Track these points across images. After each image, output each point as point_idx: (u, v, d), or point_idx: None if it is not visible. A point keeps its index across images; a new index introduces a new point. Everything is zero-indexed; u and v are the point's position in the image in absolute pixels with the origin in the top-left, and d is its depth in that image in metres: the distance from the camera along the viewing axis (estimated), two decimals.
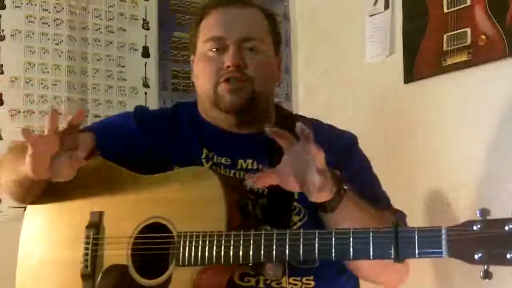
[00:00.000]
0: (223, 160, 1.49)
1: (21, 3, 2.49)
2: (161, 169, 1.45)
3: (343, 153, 1.50)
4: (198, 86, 1.55)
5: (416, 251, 1.10)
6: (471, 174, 2.12)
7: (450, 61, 2.22)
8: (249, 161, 1.49)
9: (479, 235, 1.04)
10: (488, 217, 1.05)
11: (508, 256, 1.01)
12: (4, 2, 2.46)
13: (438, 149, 2.26)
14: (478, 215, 1.05)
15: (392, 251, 1.12)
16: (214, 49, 1.48)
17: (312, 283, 1.41)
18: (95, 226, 1.45)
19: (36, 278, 1.53)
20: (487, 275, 1.04)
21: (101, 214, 1.46)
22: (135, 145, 1.55)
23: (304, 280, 1.41)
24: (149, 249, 1.37)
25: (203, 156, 1.49)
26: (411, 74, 2.37)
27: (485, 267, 1.04)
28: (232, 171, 1.48)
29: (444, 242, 1.07)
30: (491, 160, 2.07)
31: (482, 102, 2.12)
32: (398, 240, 1.12)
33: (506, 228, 1.02)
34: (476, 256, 1.04)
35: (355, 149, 1.57)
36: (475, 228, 1.05)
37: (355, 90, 2.64)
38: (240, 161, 1.49)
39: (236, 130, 1.52)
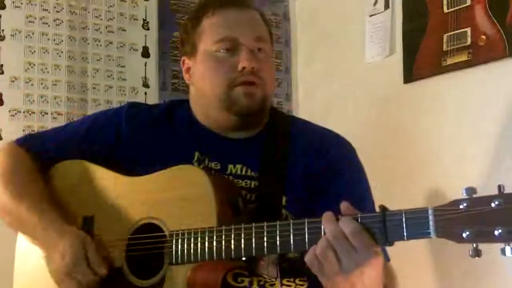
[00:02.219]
0: (213, 165, 1.47)
1: (21, 3, 2.50)
2: (151, 170, 1.44)
3: (337, 162, 1.46)
4: (202, 87, 1.47)
5: (405, 234, 1.09)
6: (471, 173, 2.12)
7: (450, 61, 2.22)
8: (239, 166, 1.46)
9: (465, 214, 1.03)
10: (474, 195, 1.04)
11: (496, 232, 1.00)
12: (4, 2, 2.47)
13: (438, 149, 2.27)
14: (464, 194, 1.05)
15: (381, 236, 1.11)
16: (224, 50, 1.42)
17: (305, 284, 1.41)
18: (88, 230, 1.44)
19: (32, 284, 1.53)
20: (477, 253, 1.03)
21: (93, 217, 1.45)
22: (124, 147, 1.52)
23: (297, 281, 1.41)
24: (143, 250, 1.37)
25: (195, 159, 1.47)
26: (411, 74, 2.37)
27: (474, 245, 1.03)
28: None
29: (431, 223, 1.06)
30: (491, 159, 2.07)
31: (482, 102, 2.13)
32: (386, 224, 1.10)
33: (492, 204, 1.01)
34: (464, 235, 1.03)
35: (352, 159, 1.51)
36: (461, 206, 1.04)
37: (355, 90, 2.64)
38: (230, 166, 1.46)
39: (229, 135, 1.49)
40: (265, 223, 1.24)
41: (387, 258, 1.39)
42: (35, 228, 1.44)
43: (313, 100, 2.87)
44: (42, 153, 1.55)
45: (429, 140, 2.30)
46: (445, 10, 2.24)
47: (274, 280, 1.38)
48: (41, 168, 1.54)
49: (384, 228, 1.11)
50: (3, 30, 2.46)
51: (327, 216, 1.16)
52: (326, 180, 1.44)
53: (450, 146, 2.23)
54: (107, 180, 1.48)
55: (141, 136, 1.52)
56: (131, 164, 1.49)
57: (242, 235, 1.25)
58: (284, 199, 1.41)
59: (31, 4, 2.51)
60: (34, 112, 2.49)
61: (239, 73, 1.41)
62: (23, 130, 2.44)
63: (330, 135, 1.53)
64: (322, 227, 1.16)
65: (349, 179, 1.46)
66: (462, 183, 2.15)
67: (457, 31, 2.19)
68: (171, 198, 1.37)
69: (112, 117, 1.58)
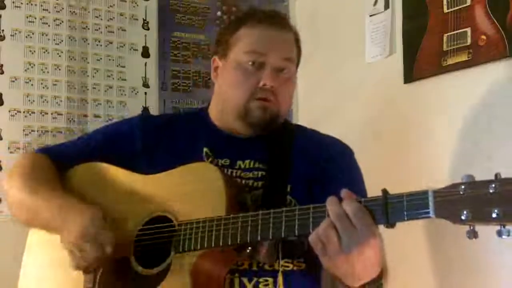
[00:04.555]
0: (222, 162, 1.54)
1: (21, 3, 2.50)
2: (162, 169, 1.49)
3: (335, 162, 1.55)
4: (225, 90, 1.58)
5: (405, 214, 1.13)
6: (471, 174, 2.12)
7: (450, 61, 2.22)
8: (247, 161, 1.54)
9: (464, 195, 1.08)
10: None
11: (493, 215, 1.04)
12: (4, 2, 2.47)
13: (438, 149, 2.26)
14: (463, 180, 1.09)
15: (382, 216, 1.16)
16: (252, 63, 1.53)
17: (303, 265, 1.46)
18: None
19: (39, 278, 1.55)
20: (473, 234, 1.07)
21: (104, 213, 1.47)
22: (137, 152, 1.59)
23: (295, 262, 1.46)
24: (151, 240, 1.41)
25: (204, 153, 1.54)
26: (411, 74, 2.37)
27: (471, 227, 1.07)
28: (230, 170, 1.53)
29: (431, 204, 1.10)
30: (491, 159, 2.07)
31: (482, 102, 2.12)
32: (387, 206, 1.15)
33: (490, 188, 1.06)
34: (462, 216, 1.06)
35: (349, 158, 1.61)
36: (460, 189, 1.08)
37: (355, 90, 2.64)
38: (239, 162, 1.54)
39: (240, 135, 1.58)
40: (272, 210, 1.28)
41: None
42: (54, 211, 1.47)
43: (313, 100, 2.87)
44: (60, 160, 1.61)
45: (429, 140, 2.30)
46: (445, 10, 2.24)
47: (273, 263, 1.42)
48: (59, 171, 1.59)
49: (385, 209, 1.15)
50: (3, 30, 2.46)
51: (331, 198, 1.21)
52: (324, 179, 1.52)
53: (450, 146, 2.22)
54: (121, 177, 1.54)
55: (152, 139, 1.59)
56: (144, 166, 1.55)
57: (249, 222, 1.29)
58: (289, 186, 1.49)
59: (31, 4, 2.52)
60: (34, 112, 2.49)
61: (259, 88, 1.52)
62: (23, 130, 2.45)
63: (330, 138, 1.65)
64: (327, 212, 1.20)
65: (346, 178, 1.52)
66: None
67: (457, 31, 2.19)
68: (182, 192, 1.42)
69: (124, 125, 1.68)
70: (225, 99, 1.58)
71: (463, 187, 1.08)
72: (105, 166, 1.56)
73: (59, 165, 1.60)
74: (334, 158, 1.57)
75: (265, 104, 1.53)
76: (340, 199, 1.21)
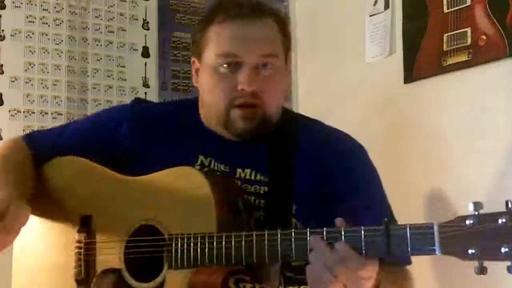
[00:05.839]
0: (221, 167, 1.45)
1: (21, 3, 2.50)
2: (151, 171, 1.42)
3: (338, 159, 1.44)
4: (205, 97, 1.45)
5: (409, 249, 1.08)
6: (471, 173, 2.12)
7: (450, 61, 2.22)
8: (248, 170, 1.43)
9: (471, 231, 1.02)
10: (481, 211, 1.02)
11: (502, 250, 0.98)
12: (4, 2, 2.47)
13: (438, 149, 2.26)
14: (471, 209, 1.03)
15: (384, 251, 1.10)
16: (226, 65, 1.38)
17: None
18: (86, 230, 1.44)
19: (31, 284, 1.53)
20: (482, 270, 1.02)
21: (91, 217, 1.44)
22: (126, 145, 1.51)
23: None
24: (142, 252, 1.36)
25: (198, 162, 1.45)
26: (411, 74, 2.37)
27: (479, 262, 1.02)
28: None
29: (436, 239, 1.04)
30: (490, 159, 2.07)
31: (482, 102, 2.12)
32: (390, 238, 1.09)
33: (499, 222, 1.00)
34: (469, 252, 1.01)
35: (357, 158, 1.48)
36: (467, 223, 1.02)
37: (355, 90, 2.64)
38: (239, 170, 1.44)
39: (235, 138, 1.46)
40: (266, 231, 1.23)
41: (408, 261, 1.38)
42: None
43: (313, 100, 2.87)
44: (44, 150, 1.55)
45: (429, 140, 2.30)
46: (445, 10, 2.24)
47: (276, 285, 1.36)
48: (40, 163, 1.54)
49: (388, 243, 1.10)
50: (3, 30, 2.46)
51: (316, 242, 1.16)
52: (334, 181, 1.41)
53: (450, 146, 2.22)
54: (106, 179, 1.47)
55: (144, 134, 1.51)
56: (132, 162, 1.49)
57: (243, 242, 1.23)
58: (294, 207, 1.39)
59: (31, 4, 2.52)
60: (34, 112, 2.49)
61: (239, 93, 1.37)
62: (23, 130, 2.44)
63: (337, 135, 1.51)
64: (324, 234, 1.16)
65: (361, 185, 1.43)
66: (462, 183, 2.16)
67: (457, 31, 2.19)
68: (170, 200, 1.36)
69: (115, 114, 1.57)
70: (208, 105, 1.45)
71: (471, 221, 1.02)
72: (88, 164, 1.49)
73: (40, 157, 1.53)
74: (342, 158, 1.44)
75: (247, 112, 1.38)
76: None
